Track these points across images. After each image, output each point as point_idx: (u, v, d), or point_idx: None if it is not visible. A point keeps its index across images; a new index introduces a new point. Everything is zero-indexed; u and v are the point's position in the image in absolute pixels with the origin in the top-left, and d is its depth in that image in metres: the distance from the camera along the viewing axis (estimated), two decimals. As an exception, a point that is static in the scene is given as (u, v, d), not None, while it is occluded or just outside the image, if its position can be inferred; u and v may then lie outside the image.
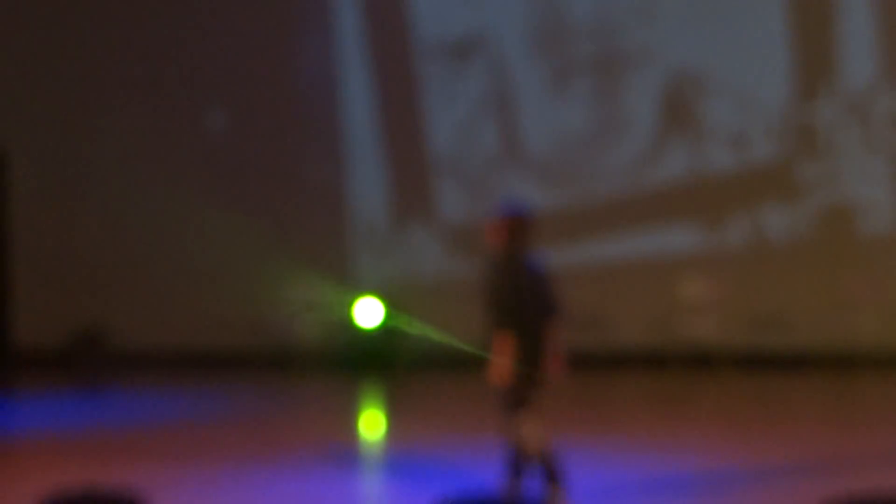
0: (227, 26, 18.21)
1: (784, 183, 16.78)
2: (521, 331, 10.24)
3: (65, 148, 18.80)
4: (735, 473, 11.25)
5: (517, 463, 10.13)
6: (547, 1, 17.38)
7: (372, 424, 15.09)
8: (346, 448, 13.02)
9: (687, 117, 17.05)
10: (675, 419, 14.11)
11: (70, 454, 12.59)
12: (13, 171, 18.87)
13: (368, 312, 17.09)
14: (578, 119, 17.36)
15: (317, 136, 18.20)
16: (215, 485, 11.16)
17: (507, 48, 17.51)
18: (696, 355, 16.76)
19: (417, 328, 16.97)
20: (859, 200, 16.60)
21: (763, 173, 16.87)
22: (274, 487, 11.01)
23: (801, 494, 10.01)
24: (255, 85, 18.28)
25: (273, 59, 18.24)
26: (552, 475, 10.03)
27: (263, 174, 18.20)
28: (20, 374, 18.18)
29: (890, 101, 16.49)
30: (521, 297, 10.30)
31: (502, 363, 10.22)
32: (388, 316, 17.08)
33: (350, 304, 17.11)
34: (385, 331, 17.14)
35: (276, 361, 17.70)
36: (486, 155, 17.61)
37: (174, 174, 18.25)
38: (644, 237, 17.20)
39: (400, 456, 12.95)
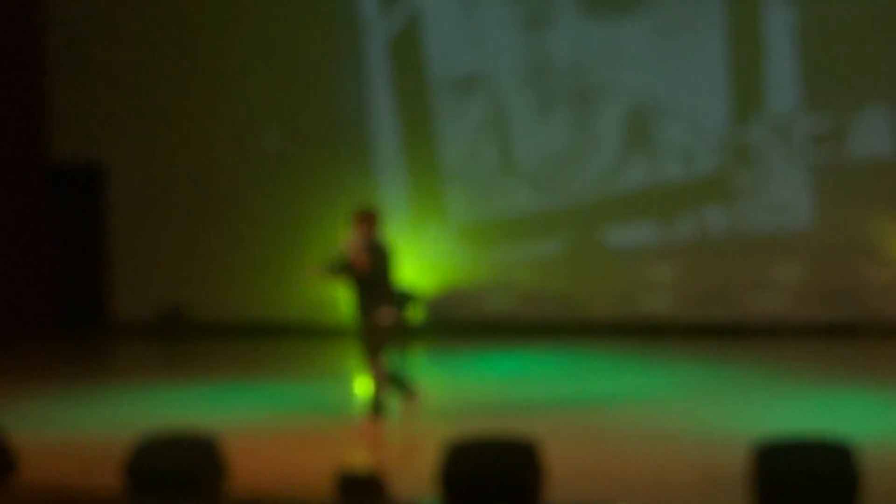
0: (282, 65, 18.18)
1: (722, 189, 16.76)
2: (385, 290, 10.81)
3: (153, 160, 18.79)
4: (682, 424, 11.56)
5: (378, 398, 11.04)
6: (534, 45, 17.33)
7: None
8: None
9: (645, 137, 17.01)
10: (636, 377, 14.20)
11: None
12: (111, 181, 19.08)
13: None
14: (559, 139, 17.33)
15: (351, 151, 18.15)
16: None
17: (503, 83, 17.48)
18: (653, 326, 16.84)
19: (428, 307, 17.19)
20: (782, 203, 16.54)
21: (706, 182, 16.86)
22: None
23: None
24: (302, 111, 18.25)
25: (317, 91, 18.20)
26: (377, 405, 11.01)
27: (309, 182, 18.17)
28: (117, 343, 18.39)
29: (807, 123, 16.40)
30: (382, 268, 10.97)
31: (385, 310, 11.02)
32: (406, 297, 17.21)
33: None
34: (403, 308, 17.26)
35: (316, 330, 17.69)
36: (487, 167, 17.58)
37: (241, 181, 18.39)
38: (611, 232, 17.20)
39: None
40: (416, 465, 9.94)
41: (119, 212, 19.08)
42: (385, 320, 11.14)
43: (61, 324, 18.82)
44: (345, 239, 11.25)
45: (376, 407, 11.20)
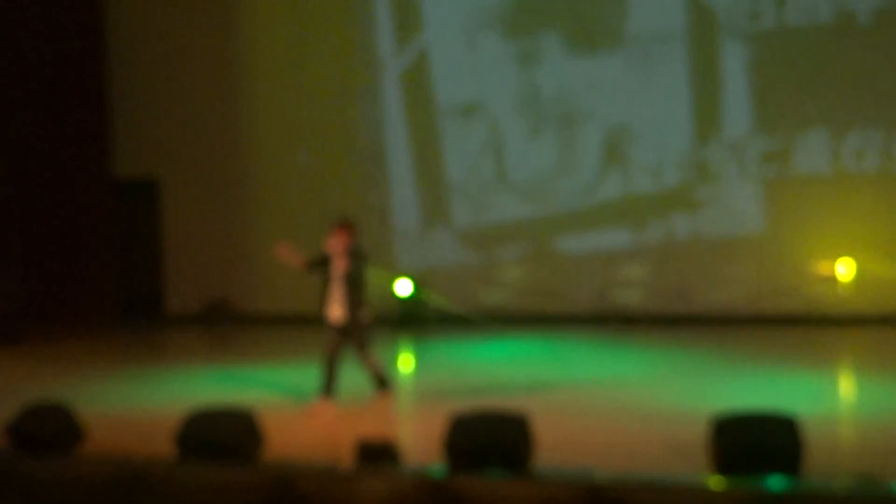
0: (312, 93, 18.19)
1: (685, 200, 16.74)
2: (362, 291, 10.85)
3: (200, 175, 18.80)
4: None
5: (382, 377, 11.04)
6: (525, 78, 17.31)
7: (405, 363, 15.04)
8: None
9: (620, 156, 16.98)
10: (612, 360, 14.19)
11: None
12: (165, 193, 19.10)
13: (404, 287, 17.30)
14: (547, 157, 17.29)
15: (370, 166, 18.09)
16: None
17: (499, 110, 17.46)
18: (626, 317, 16.82)
19: (435, 299, 17.21)
20: (736, 212, 16.55)
21: (671, 194, 16.83)
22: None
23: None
24: (328, 133, 18.22)
25: (341, 116, 18.15)
26: (382, 380, 11.00)
27: (334, 192, 18.06)
28: (170, 332, 18.38)
29: (757, 145, 16.39)
30: (362, 272, 10.90)
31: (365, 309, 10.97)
32: (417, 290, 17.20)
33: (392, 282, 17.27)
34: (414, 300, 17.35)
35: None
36: (485, 181, 17.55)
37: (276, 191, 18.38)
38: (591, 236, 17.16)
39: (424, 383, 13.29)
40: (424, 435, 9.93)
41: (172, 220, 19.10)
42: (364, 318, 11.05)
43: (124, 315, 18.82)
44: (329, 242, 11.15)
45: (382, 382, 11.19)
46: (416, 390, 13.16)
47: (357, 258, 11.01)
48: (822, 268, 16.19)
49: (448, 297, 17.12)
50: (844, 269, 16.10)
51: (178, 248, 19.03)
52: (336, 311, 10.95)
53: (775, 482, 6.99)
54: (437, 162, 17.83)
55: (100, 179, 18.86)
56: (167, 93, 18.90)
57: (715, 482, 7.20)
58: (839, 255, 16.11)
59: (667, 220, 16.88)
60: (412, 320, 17.14)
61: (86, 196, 18.74)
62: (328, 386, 10.91)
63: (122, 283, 19.03)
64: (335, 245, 11.00)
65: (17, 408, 8.90)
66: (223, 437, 8.18)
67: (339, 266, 10.94)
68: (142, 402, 11.85)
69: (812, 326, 15.92)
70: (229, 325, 17.97)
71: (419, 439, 9.92)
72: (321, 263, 11.16)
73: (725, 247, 16.64)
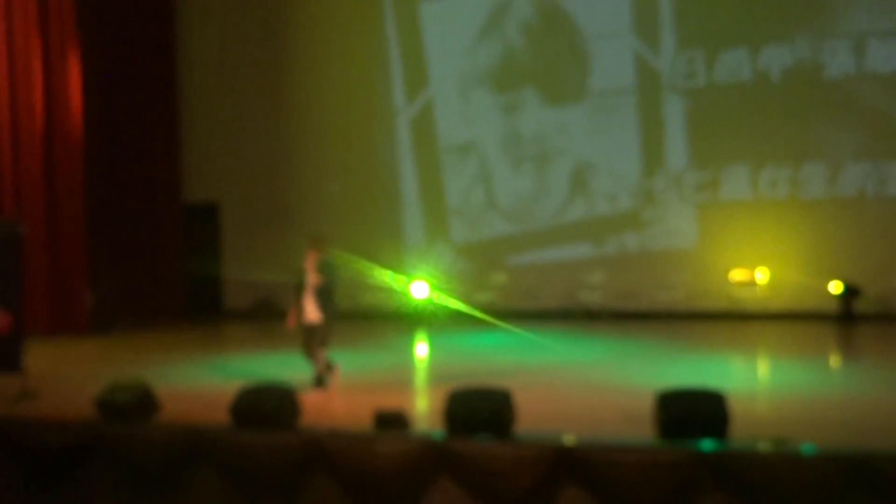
0: (341, 136, 18.16)
1: (635, 221, 16.71)
2: (332, 299, 10.56)
3: (252, 200, 18.74)
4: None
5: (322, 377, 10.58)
6: (509, 124, 17.26)
7: (420, 349, 14.82)
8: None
9: (584, 185, 16.93)
10: (577, 348, 14.17)
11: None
12: (224, 214, 19.08)
13: (420, 289, 17.19)
14: (526, 186, 17.24)
15: (387, 194, 18.05)
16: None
17: (488, 148, 17.42)
18: (589, 313, 16.81)
19: (441, 299, 17.15)
20: (675, 230, 16.50)
21: (624, 216, 16.77)
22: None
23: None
24: (354, 167, 18.18)
25: (364, 154, 18.13)
26: (321, 379, 10.57)
27: (358, 215, 18.08)
28: (227, 325, 18.28)
29: (692, 176, 16.37)
30: (331, 284, 10.54)
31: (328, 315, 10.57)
32: (430, 292, 17.14)
33: (406, 284, 17.22)
34: (426, 300, 17.24)
35: (372, 316, 17.58)
36: (477, 205, 17.51)
37: (312, 213, 18.29)
38: (561, 249, 17.12)
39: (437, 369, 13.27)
40: (428, 407, 9.88)
41: (229, 236, 19.06)
42: (329, 322, 10.72)
43: (190, 312, 18.77)
44: (307, 258, 10.83)
45: (320, 381, 10.74)
46: (423, 371, 13.07)
47: (327, 271, 10.62)
48: (743, 274, 16.14)
49: (450, 297, 17.06)
50: (761, 276, 16.07)
51: (233, 258, 18.94)
52: (309, 313, 10.63)
53: (707, 445, 6.96)
54: (439, 189, 17.79)
55: (173, 202, 18.83)
56: (226, 131, 18.88)
57: (659, 445, 7.18)
58: (757, 264, 16.07)
59: (621, 236, 16.83)
60: (424, 316, 17.04)
61: (162, 215, 18.71)
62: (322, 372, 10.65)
63: (189, 287, 18.96)
64: (309, 261, 10.72)
65: (105, 384, 8.88)
66: (268, 408, 8.16)
67: (311, 278, 10.60)
68: (204, 380, 11.80)
69: (735, 321, 15.90)
70: (274, 319, 17.72)
71: (425, 410, 9.84)
72: (300, 280, 10.74)
73: (667, 257, 16.60)
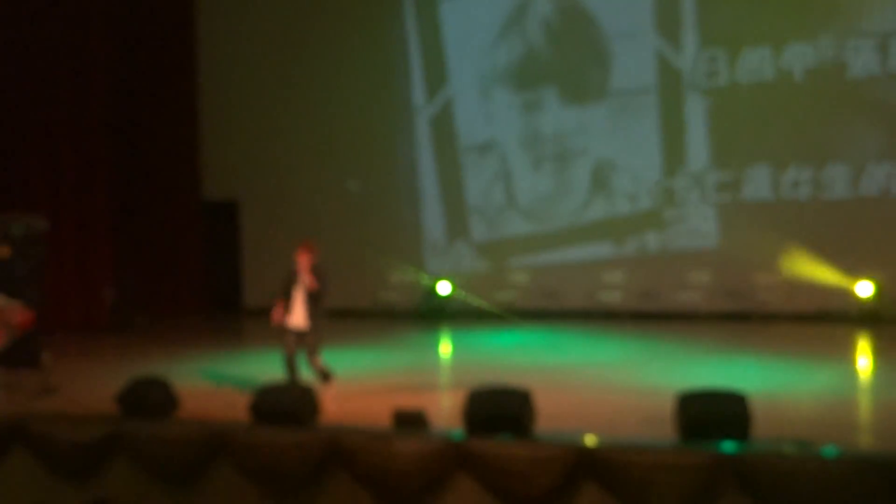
0: (361, 134, 18.14)
1: (656, 220, 16.62)
2: (322, 303, 10.50)
3: (271, 198, 18.75)
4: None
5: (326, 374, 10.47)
6: (529, 123, 17.22)
7: (443, 348, 14.95)
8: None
9: (604, 185, 16.87)
10: (597, 348, 14.17)
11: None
12: (243, 212, 19.13)
13: (444, 288, 17.15)
14: (546, 185, 17.20)
15: (406, 193, 18.04)
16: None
17: (508, 147, 17.38)
18: (609, 313, 16.73)
19: (461, 296, 17.18)
20: (696, 230, 16.40)
21: (645, 215, 16.68)
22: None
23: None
24: (374, 165, 18.16)
25: (384, 152, 18.10)
26: (325, 375, 10.48)
27: (377, 213, 18.08)
28: (246, 323, 18.33)
29: (714, 176, 16.26)
30: (326, 290, 10.51)
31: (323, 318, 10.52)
32: (454, 290, 17.13)
33: (431, 284, 17.19)
34: (449, 298, 17.21)
35: (392, 314, 17.69)
36: (497, 204, 17.48)
37: (331, 212, 18.27)
38: (581, 249, 17.06)
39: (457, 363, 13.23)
40: (448, 406, 9.88)
41: (248, 233, 19.11)
42: (320, 326, 10.60)
43: (209, 309, 18.82)
44: (297, 262, 10.61)
45: (325, 377, 10.69)
46: (443, 370, 13.08)
47: (318, 275, 10.53)
48: (764, 274, 16.05)
49: (469, 296, 17.08)
50: (785, 276, 15.95)
51: (252, 256, 18.98)
52: (298, 317, 10.49)
53: (728, 446, 6.93)
54: (458, 188, 17.76)
55: (192, 201, 18.91)
56: (246, 130, 18.89)
57: (680, 446, 7.15)
58: (779, 265, 15.95)
59: (641, 236, 16.74)
60: (443, 315, 17.03)
61: (181, 214, 18.78)
62: (291, 378, 10.41)
63: (208, 284, 19.01)
64: (302, 263, 10.58)
65: (126, 381, 8.93)
66: (287, 406, 8.18)
67: (306, 280, 10.48)
68: (224, 377, 11.83)
69: (756, 321, 15.81)
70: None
71: (444, 409, 9.85)
72: (290, 281, 10.62)
73: (688, 257, 16.50)
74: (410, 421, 8.07)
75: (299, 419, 8.21)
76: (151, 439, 8.21)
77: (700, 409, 7.49)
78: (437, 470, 7.51)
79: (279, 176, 18.72)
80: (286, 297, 10.57)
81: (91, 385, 11.21)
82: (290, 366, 10.51)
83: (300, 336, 10.52)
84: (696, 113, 16.40)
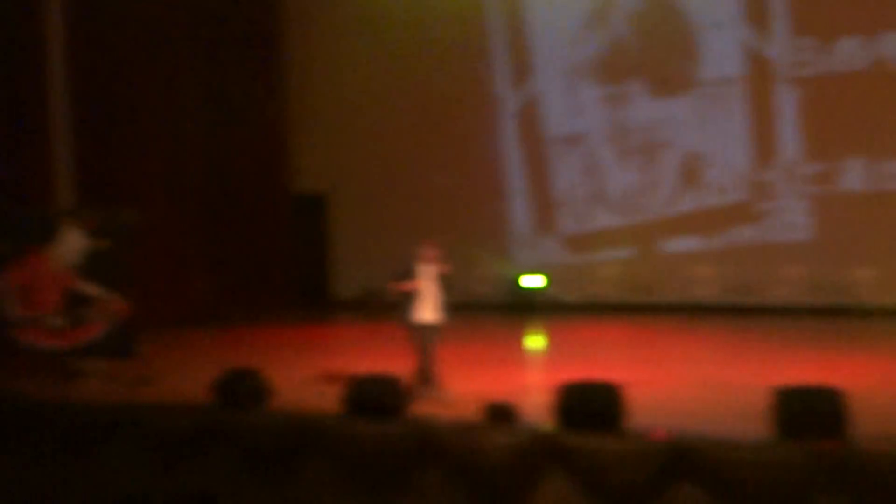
0: (448, 129, 18.30)
1: (747, 213, 16.48)
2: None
3: (358, 192, 18.95)
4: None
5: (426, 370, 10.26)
6: (616, 115, 17.19)
7: (533, 341, 14.98)
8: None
9: (692, 177, 16.78)
10: (690, 343, 13.89)
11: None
12: (331, 206, 19.34)
13: (534, 281, 17.16)
14: (633, 178, 17.17)
15: (493, 186, 18.14)
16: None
17: (596, 139, 17.37)
18: (701, 308, 16.50)
19: (549, 290, 17.13)
20: (788, 223, 16.23)
21: (735, 208, 16.56)
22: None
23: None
24: (460, 160, 18.27)
25: (470, 146, 18.20)
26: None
27: (464, 207, 18.17)
28: (335, 314, 18.56)
29: (806, 168, 16.10)
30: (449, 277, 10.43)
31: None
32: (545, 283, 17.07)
33: (519, 277, 17.20)
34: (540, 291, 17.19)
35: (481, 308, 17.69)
36: (584, 197, 17.47)
37: (418, 206, 18.40)
38: (670, 242, 16.99)
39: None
40: (539, 400, 9.86)
41: (336, 227, 19.32)
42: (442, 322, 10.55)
43: (299, 301, 19.02)
44: (425, 254, 10.62)
45: (425, 378, 10.48)
46: (533, 363, 13.07)
47: (444, 265, 10.51)
48: (859, 268, 15.72)
49: (558, 290, 17.08)
50: (876, 270, 15.64)
51: (340, 249, 19.20)
52: (429, 311, 10.41)
53: (825, 443, 6.79)
54: (545, 181, 17.78)
55: (282, 195, 19.16)
56: (334, 125, 19.08)
57: (775, 443, 7.02)
58: (874, 259, 15.63)
59: (732, 228, 16.61)
60: (532, 308, 17.02)
61: (272, 208, 19.05)
62: (426, 374, 10.36)
63: (299, 277, 19.22)
64: (430, 255, 10.57)
65: (220, 372, 9.06)
66: (379, 398, 8.21)
67: (441, 269, 10.46)
68: (316, 368, 11.97)
69: (852, 317, 15.55)
70: (379, 310, 17.91)
71: (535, 403, 9.84)
72: (411, 273, 10.59)
73: (781, 250, 16.33)
74: (501, 414, 8.05)
75: (391, 411, 8.23)
76: (244, 430, 8.31)
77: (797, 406, 7.33)
78: (528, 464, 7.47)
79: (367, 170, 18.90)
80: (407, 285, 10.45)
81: (185, 375, 11.40)
82: (422, 358, 10.35)
83: (430, 330, 10.42)
84: (786, 103, 16.18)
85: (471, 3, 18.19)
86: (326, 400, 8.96)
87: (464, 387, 10.50)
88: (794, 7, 16.14)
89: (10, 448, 9.06)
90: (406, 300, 10.40)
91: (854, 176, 15.86)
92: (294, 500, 8.05)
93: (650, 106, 17.00)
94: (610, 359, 12.33)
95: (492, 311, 17.33)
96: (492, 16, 18.06)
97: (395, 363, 11.30)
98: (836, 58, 15.92)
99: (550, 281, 17.17)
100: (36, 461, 8.89)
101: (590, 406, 7.59)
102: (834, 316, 15.61)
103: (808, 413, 7.11)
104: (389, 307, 17.78)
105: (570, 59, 17.47)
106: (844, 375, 10.29)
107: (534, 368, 12.63)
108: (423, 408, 8.99)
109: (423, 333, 10.37)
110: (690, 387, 10.45)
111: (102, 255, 11.50)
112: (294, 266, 19.16)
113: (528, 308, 17.07)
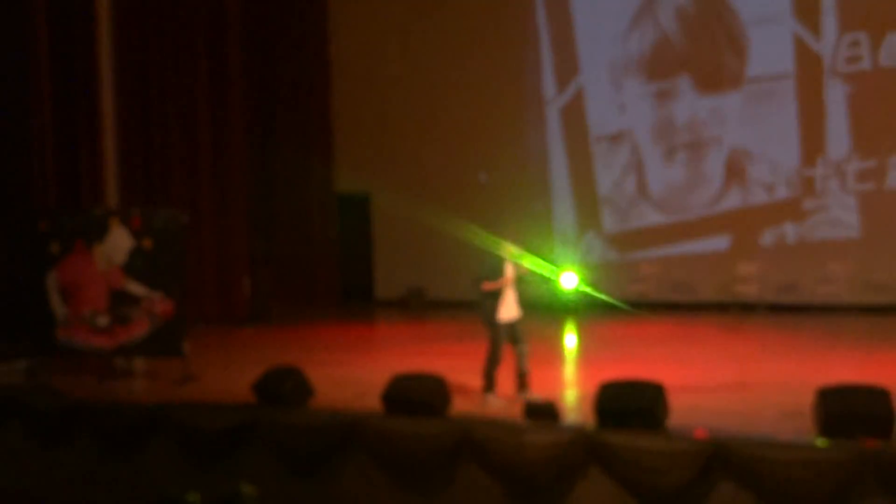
0: (491, 127, 18.05)
1: (795, 211, 16.25)
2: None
3: (401, 191, 18.53)
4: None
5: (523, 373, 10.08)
6: (661, 111, 16.97)
7: (570, 341, 14.86)
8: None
9: (739, 174, 16.52)
10: (733, 342, 13.82)
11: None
12: (374, 205, 19.34)
13: (570, 280, 17.07)
14: (679, 175, 16.95)
15: (536, 184, 17.95)
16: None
17: (640, 137, 17.14)
18: (745, 306, 16.25)
19: (592, 287, 17.02)
20: (837, 220, 16.01)
21: (783, 205, 16.32)
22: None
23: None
24: (504, 157, 18.02)
25: (513, 144, 18.00)
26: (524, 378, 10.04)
27: (507, 205, 17.63)
28: (379, 314, 18.55)
29: (856, 165, 15.83)
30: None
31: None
32: (581, 282, 17.01)
33: (557, 274, 17.13)
34: (577, 290, 17.11)
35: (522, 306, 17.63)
36: (628, 195, 17.27)
37: (461, 204, 18.09)
38: (715, 240, 16.75)
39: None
40: (579, 399, 9.85)
41: (380, 226, 19.29)
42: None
43: (343, 301, 19.01)
44: (506, 254, 10.63)
45: (523, 380, 10.21)
46: (574, 362, 13.04)
47: (522, 265, 10.49)
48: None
49: (600, 288, 16.96)
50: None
51: (384, 248, 19.15)
52: (511, 308, 10.32)
53: (870, 443, 6.74)
54: (589, 179, 17.62)
55: (327, 195, 19.19)
56: (377, 123, 19.03)
57: (820, 443, 6.98)
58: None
59: (779, 226, 16.36)
60: (574, 306, 16.95)
61: (316, 207, 19.05)
62: (494, 372, 10.19)
63: (342, 276, 19.23)
64: (507, 254, 10.55)
65: (262, 371, 9.15)
66: (419, 396, 8.27)
67: (514, 270, 10.46)
68: (357, 366, 11.99)
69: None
70: (425, 309, 17.99)
71: (575, 402, 9.82)
72: (499, 271, 10.52)
73: (828, 249, 16.07)
74: (541, 412, 8.07)
75: (431, 410, 8.29)
76: (286, 428, 8.39)
77: (841, 405, 7.29)
78: (568, 462, 7.49)
79: (411, 169, 18.81)
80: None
81: (228, 374, 11.49)
82: (497, 360, 10.16)
83: (514, 328, 10.28)
84: (836, 99, 15.94)
85: (517, 1, 18.11)
86: (367, 399, 9.00)
87: (508, 387, 10.44)
88: (844, 2, 15.90)
89: (54, 446, 9.22)
90: (490, 299, 10.30)
91: (904, 172, 15.69)
92: (334, 497, 8.14)
93: (696, 102, 16.78)
94: (651, 357, 12.24)
95: (531, 310, 17.17)
96: (538, 13, 17.90)
97: (439, 362, 11.38)
98: (888, 53, 15.66)
99: (592, 278, 17.07)
100: (79, 459, 9.04)
101: (632, 405, 7.60)
102: (882, 315, 15.33)
103: (853, 413, 7.07)
104: (431, 306, 18.06)
105: (616, 55, 17.29)
106: (891, 375, 10.17)
107: (578, 366, 12.57)
108: (467, 406, 8.99)
109: (509, 331, 10.25)
110: (732, 386, 10.35)
111: (148, 253, 11.64)
112: (338, 266, 19.18)
113: (567, 307, 16.98)
